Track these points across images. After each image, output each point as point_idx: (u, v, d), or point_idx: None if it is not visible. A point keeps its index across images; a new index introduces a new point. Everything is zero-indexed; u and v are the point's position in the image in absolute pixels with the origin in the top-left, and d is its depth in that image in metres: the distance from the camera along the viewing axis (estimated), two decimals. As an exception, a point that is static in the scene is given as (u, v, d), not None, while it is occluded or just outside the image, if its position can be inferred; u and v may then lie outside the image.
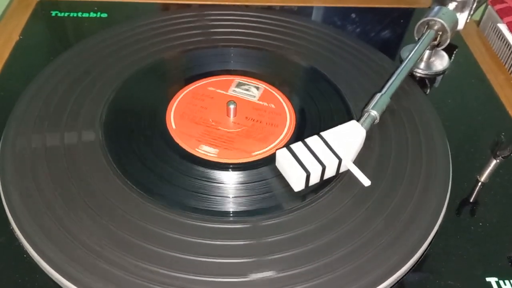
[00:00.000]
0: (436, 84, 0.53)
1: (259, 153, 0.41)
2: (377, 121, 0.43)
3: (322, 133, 0.40)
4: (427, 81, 0.53)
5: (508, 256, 0.37)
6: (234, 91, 0.44)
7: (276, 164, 0.40)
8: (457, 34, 0.56)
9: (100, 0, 0.60)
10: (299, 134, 0.44)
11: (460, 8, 0.53)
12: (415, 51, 0.49)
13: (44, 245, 0.34)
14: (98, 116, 0.44)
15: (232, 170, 0.40)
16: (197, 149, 0.41)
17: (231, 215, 0.37)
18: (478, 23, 0.66)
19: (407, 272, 0.35)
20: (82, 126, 0.43)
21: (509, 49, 0.57)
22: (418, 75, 0.54)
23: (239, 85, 0.43)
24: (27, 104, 0.44)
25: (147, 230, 0.35)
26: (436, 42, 0.52)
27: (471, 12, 0.54)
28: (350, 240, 0.35)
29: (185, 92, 0.47)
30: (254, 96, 0.44)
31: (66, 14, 0.58)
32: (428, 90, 0.52)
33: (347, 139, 0.40)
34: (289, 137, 0.43)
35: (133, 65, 0.49)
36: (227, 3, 0.62)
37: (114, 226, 0.35)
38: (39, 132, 0.42)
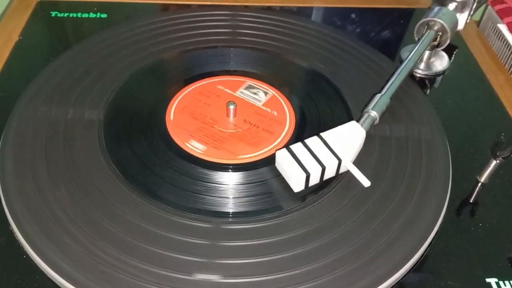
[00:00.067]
0: (436, 85, 0.53)
1: (245, 157, 0.41)
2: (377, 121, 0.43)
3: (322, 134, 0.40)
4: (427, 81, 0.53)
5: (508, 257, 0.37)
6: (241, 92, 0.44)
7: (276, 164, 0.40)
8: (457, 35, 0.56)
9: (99, 1, 0.60)
10: (299, 135, 0.44)
11: (460, 8, 0.53)
12: (415, 52, 0.49)
13: (43, 246, 0.34)
14: (98, 116, 0.44)
15: (210, 169, 0.40)
16: (186, 143, 0.42)
17: (195, 214, 0.37)
18: (478, 23, 0.66)
19: (407, 273, 0.35)
20: (82, 126, 0.43)
21: (509, 50, 0.57)
22: (418, 75, 0.54)
23: (248, 87, 0.43)
24: (27, 104, 0.44)
25: (148, 231, 0.35)
26: (436, 43, 0.52)
27: (471, 13, 0.54)
28: (350, 241, 0.35)
29: (193, 87, 0.47)
30: (260, 101, 0.44)
31: (66, 14, 0.58)
32: (428, 91, 0.52)
33: (347, 140, 0.40)
34: (281, 146, 0.42)
35: (133, 65, 0.49)
36: (226, 3, 0.62)
37: (113, 227, 0.35)
38: (39, 132, 0.42)
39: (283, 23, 0.56)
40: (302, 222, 0.36)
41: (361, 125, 0.41)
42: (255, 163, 0.41)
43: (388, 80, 0.46)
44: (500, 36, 0.59)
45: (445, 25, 0.50)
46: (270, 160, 0.41)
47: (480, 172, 0.42)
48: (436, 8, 0.52)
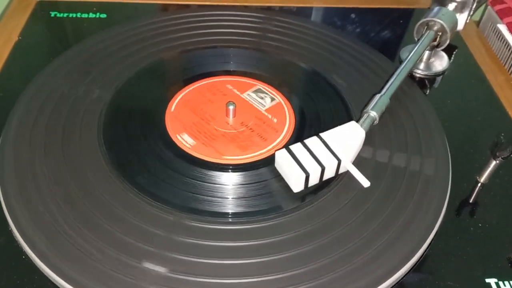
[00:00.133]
0: (436, 85, 0.53)
1: (229, 158, 0.41)
2: (376, 122, 0.43)
3: (321, 134, 0.40)
4: (426, 81, 0.53)
5: (507, 257, 0.37)
6: (248, 95, 0.44)
7: (275, 165, 0.40)
8: (456, 35, 0.56)
9: (99, 1, 0.60)
10: (299, 135, 0.44)
11: (460, 8, 0.53)
12: (414, 52, 0.49)
13: (42, 246, 0.34)
14: (97, 115, 0.44)
15: (190, 163, 0.40)
16: (177, 135, 0.42)
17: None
18: (477, 23, 0.66)
19: (407, 273, 0.35)
20: (81, 126, 0.43)
21: (508, 50, 0.57)
22: (418, 75, 0.53)
23: (257, 91, 0.43)
24: (27, 104, 0.44)
25: (147, 231, 0.35)
26: (435, 43, 0.52)
27: (471, 13, 0.54)
28: (350, 241, 0.35)
29: (202, 83, 0.48)
30: (264, 106, 0.43)
31: (65, 14, 0.58)
32: (428, 91, 0.52)
33: (346, 140, 0.40)
34: (269, 154, 0.42)
35: (132, 65, 0.49)
36: (226, 3, 0.62)
37: (113, 227, 0.35)
38: (39, 133, 0.42)
39: (283, 23, 0.56)
40: (302, 222, 0.36)
41: (361, 126, 0.41)
42: (254, 163, 0.41)
43: (387, 80, 0.46)
44: (499, 36, 0.59)
45: (445, 25, 0.50)
46: (253, 165, 0.41)
47: (480, 172, 0.42)
48: (436, 8, 0.52)
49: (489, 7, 0.63)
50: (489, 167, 0.41)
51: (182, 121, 0.44)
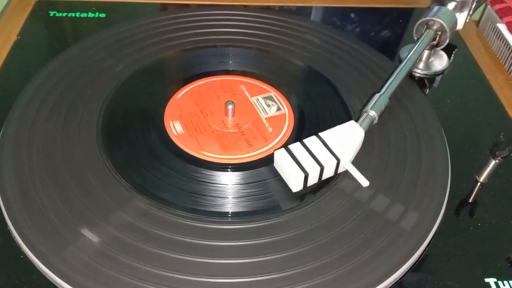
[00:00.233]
0: (435, 84, 0.53)
1: (207, 155, 0.41)
2: (375, 121, 0.42)
3: (320, 134, 0.40)
4: (426, 81, 0.53)
5: (507, 257, 0.36)
6: (257, 99, 0.43)
7: (274, 164, 0.40)
8: (456, 34, 0.56)
9: (98, 0, 0.60)
10: (298, 135, 0.44)
11: (459, 8, 0.53)
12: (414, 51, 0.49)
13: (41, 246, 0.34)
14: (97, 115, 0.44)
15: (168, 150, 0.41)
16: (171, 121, 0.43)
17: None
18: (477, 23, 0.66)
19: (406, 273, 0.35)
20: (81, 126, 0.43)
21: (508, 49, 0.57)
22: (417, 75, 0.53)
23: (267, 98, 0.43)
24: (26, 104, 0.44)
25: (146, 231, 0.35)
26: (435, 42, 0.52)
27: (470, 12, 0.54)
28: (349, 241, 0.35)
29: (217, 79, 0.48)
30: (267, 114, 0.43)
31: (64, 14, 0.58)
32: (427, 90, 0.52)
33: (345, 140, 0.40)
34: (250, 160, 0.41)
35: (132, 65, 0.49)
36: (225, 3, 0.62)
37: (111, 227, 0.35)
38: (38, 132, 0.42)
39: (282, 22, 0.56)
40: (301, 222, 0.36)
41: (360, 125, 0.41)
42: (253, 163, 0.41)
43: (387, 80, 0.46)
44: (499, 36, 0.59)
45: (444, 24, 0.50)
46: (224, 167, 0.40)
47: (479, 172, 0.42)
48: (436, 8, 0.52)
49: (488, 6, 0.63)
50: (489, 166, 0.41)
51: (182, 109, 0.45)
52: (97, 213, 0.36)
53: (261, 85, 0.48)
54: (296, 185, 0.38)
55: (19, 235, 0.35)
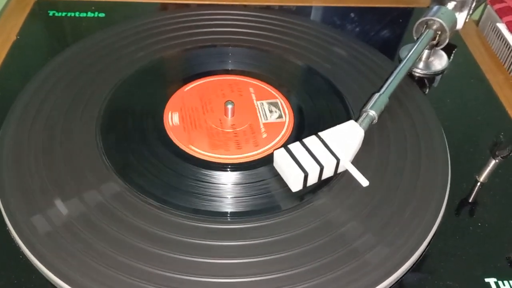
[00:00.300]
0: (435, 84, 0.53)
1: (193, 149, 0.41)
2: (375, 121, 0.42)
3: (320, 133, 0.40)
4: (426, 81, 0.53)
5: (507, 257, 0.36)
6: (262, 104, 0.43)
7: (274, 164, 0.40)
8: (456, 34, 0.56)
9: (97, 0, 0.60)
10: (297, 134, 0.43)
11: (459, 7, 0.53)
12: (414, 51, 0.48)
13: (40, 246, 0.34)
14: (96, 115, 0.44)
15: (159, 140, 0.42)
16: (170, 112, 0.44)
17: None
18: (477, 22, 0.66)
19: (406, 273, 0.35)
20: (80, 126, 0.43)
21: (508, 49, 0.57)
22: (417, 75, 0.53)
23: (272, 103, 0.43)
24: (25, 104, 0.44)
25: (146, 231, 0.35)
26: (435, 42, 0.52)
27: (470, 12, 0.53)
28: (349, 240, 0.35)
29: (227, 77, 0.48)
30: (266, 119, 0.43)
31: (64, 14, 0.58)
32: (427, 90, 0.52)
33: (345, 139, 0.40)
34: (236, 161, 0.41)
35: (131, 65, 0.49)
36: (225, 3, 0.62)
37: (111, 227, 0.35)
38: (37, 132, 0.42)
39: (282, 22, 0.56)
40: (300, 221, 0.36)
41: (360, 125, 0.41)
42: (253, 162, 0.41)
43: (387, 79, 0.46)
44: (499, 36, 0.59)
45: (444, 24, 0.50)
46: (208, 165, 0.40)
47: (479, 171, 0.42)
48: (435, 7, 0.52)
49: (488, 6, 0.63)
50: (489, 166, 0.41)
51: (184, 102, 0.45)
52: (98, 213, 0.36)
53: (270, 90, 0.47)
54: (295, 185, 0.38)
55: (18, 235, 0.35)
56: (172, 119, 0.43)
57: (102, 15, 0.58)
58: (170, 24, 0.55)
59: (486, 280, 0.35)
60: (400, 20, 0.62)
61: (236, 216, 0.37)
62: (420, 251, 0.35)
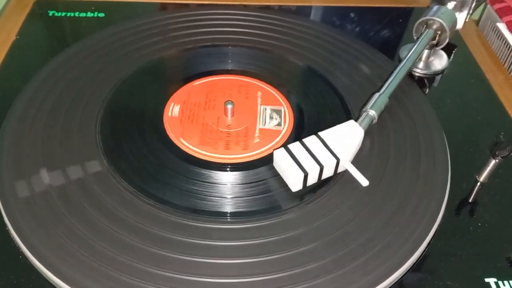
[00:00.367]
0: (435, 84, 0.53)
1: (182, 143, 0.42)
2: (375, 121, 0.42)
3: (320, 133, 0.40)
4: (426, 80, 0.53)
5: (507, 257, 0.36)
6: (264, 109, 0.43)
7: (274, 164, 0.40)
8: (456, 34, 0.56)
9: (97, 0, 0.60)
10: (297, 134, 0.43)
11: (459, 7, 0.53)
12: (413, 51, 0.48)
13: (39, 246, 0.34)
14: (96, 115, 0.44)
15: (154, 129, 0.43)
16: (173, 103, 0.45)
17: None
18: (477, 22, 0.65)
19: (406, 273, 0.35)
20: (80, 125, 0.43)
21: (508, 49, 0.57)
22: (417, 74, 0.53)
23: (275, 110, 0.42)
24: (25, 104, 0.44)
25: (145, 231, 0.35)
26: (435, 42, 0.52)
27: (470, 12, 0.53)
28: (349, 240, 0.35)
29: (239, 78, 0.48)
30: (264, 125, 0.43)
31: (63, 13, 0.58)
32: (427, 90, 0.52)
33: (345, 139, 0.40)
34: (217, 161, 0.41)
35: (131, 65, 0.49)
36: (225, 2, 0.62)
37: (110, 226, 0.35)
38: (37, 132, 0.42)
39: (282, 22, 0.56)
40: (300, 221, 0.36)
41: (360, 124, 0.41)
42: (251, 162, 0.41)
43: (387, 79, 0.46)
44: (499, 35, 0.59)
45: (444, 24, 0.50)
46: (190, 159, 0.41)
47: (479, 171, 0.42)
48: (435, 7, 0.52)
49: (488, 6, 0.63)
50: (489, 166, 0.41)
51: (190, 95, 0.46)
52: (97, 213, 0.36)
53: (277, 97, 0.47)
54: (295, 184, 0.38)
55: (18, 236, 0.35)
56: (172, 110, 0.43)
57: (101, 15, 0.58)
58: (170, 24, 0.55)
59: (486, 280, 0.35)
60: (400, 20, 0.62)
61: (236, 216, 0.37)
62: (420, 251, 0.35)
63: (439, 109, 0.47)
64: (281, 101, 0.46)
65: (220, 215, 0.37)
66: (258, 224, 0.36)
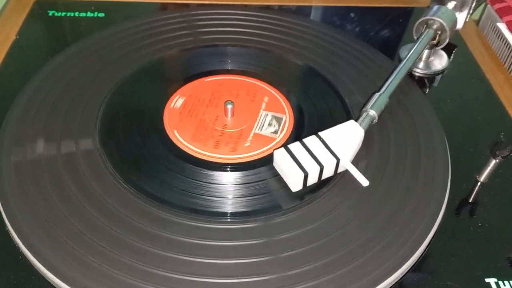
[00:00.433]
0: (435, 84, 0.53)
1: (174, 135, 0.42)
2: (375, 121, 0.42)
3: (320, 133, 0.40)
4: (426, 80, 0.53)
5: (507, 257, 0.36)
6: (266, 114, 0.43)
7: (274, 164, 0.40)
8: (456, 34, 0.56)
9: (97, 0, 0.60)
10: (297, 134, 0.43)
11: (459, 7, 0.53)
12: (414, 51, 0.48)
13: (39, 246, 0.34)
14: (96, 115, 0.44)
15: (149, 118, 0.44)
16: (178, 95, 0.46)
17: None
18: (477, 22, 0.65)
19: (406, 273, 0.35)
20: (79, 125, 0.43)
21: (508, 49, 0.57)
22: (417, 74, 0.53)
23: (276, 117, 0.42)
24: (25, 104, 0.44)
25: (145, 231, 0.35)
26: (435, 42, 0.52)
27: (470, 11, 0.53)
28: (349, 240, 0.35)
29: (251, 81, 0.48)
30: (260, 130, 0.42)
31: (63, 13, 0.58)
32: (427, 90, 0.52)
33: (345, 139, 0.40)
34: (203, 158, 0.41)
35: (131, 65, 0.49)
36: (225, 2, 0.62)
37: (109, 227, 0.35)
38: (36, 132, 0.42)
39: (282, 22, 0.56)
40: (300, 221, 0.36)
41: (360, 124, 0.41)
42: (252, 162, 0.41)
43: (387, 79, 0.46)
44: (499, 35, 0.59)
45: (444, 24, 0.50)
46: (178, 154, 0.41)
47: (480, 171, 0.42)
48: (435, 7, 0.52)
49: (488, 5, 0.63)
50: (489, 166, 0.41)
51: (196, 90, 0.47)
52: (97, 213, 0.36)
53: (283, 104, 0.46)
54: (295, 184, 0.38)
55: (17, 236, 0.35)
56: (176, 102, 0.44)
57: (101, 15, 0.58)
58: (170, 24, 0.55)
59: (487, 280, 0.35)
60: (400, 20, 0.61)
61: (237, 216, 0.37)
62: (420, 251, 0.35)
63: (439, 109, 0.47)
64: (286, 109, 0.46)
65: (220, 215, 0.37)
66: (258, 224, 0.36)
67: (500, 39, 0.58)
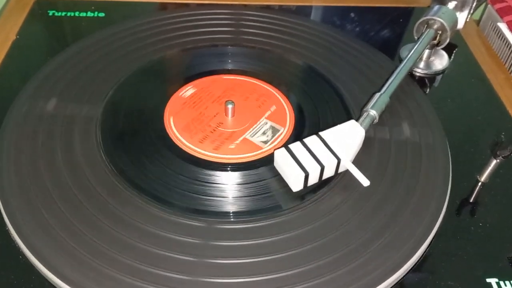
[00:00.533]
0: (436, 84, 0.53)
1: (168, 122, 0.43)
2: (376, 120, 0.42)
3: (320, 133, 0.40)
4: (426, 80, 0.53)
5: (508, 257, 0.36)
6: (265, 123, 0.42)
7: (274, 164, 0.40)
8: (456, 34, 0.56)
9: (97, 0, 0.60)
10: (298, 134, 0.43)
11: (460, 7, 0.53)
12: (414, 51, 0.48)
13: (39, 246, 0.34)
14: (96, 115, 0.44)
15: (154, 101, 0.45)
16: (191, 86, 0.47)
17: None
18: (478, 22, 0.65)
19: (407, 273, 0.35)
20: (79, 125, 0.43)
21: (509, 49, 0.57)
22: (418, 74, 0.53)
23: (274, 129, 0.42)
24: (25, 103, 0.44)
25: (145, 230, 0.35)
26: (435, 42, 0.52)
27: (471, 11, 0.53)
28: (349, 240, 0.35)
29: (266, 86, 0.48)
30: (251, 136, 0.42)
31: (63, 13, 0.58)
32: (428, 90, 0.52)
33: (346, 139, 0.40)
34: (187, 150, 0.41)
35: (131, 65, 0.49)
36: (225, 2, 0.62)
37: (110, 227, 0.35)
38: (37, 132, 0.42)
39: (282, 22, 0.56)
40: (301, 221, 0.36)
41: (361, 124, 0.41)
42: (253, 162, 0.41)
43: (387, 79, 0.46)
44: (500, 35, 0.59)
45: (445, 24, 0.50)
46: (163, 138, 0.42)
47: (480, 171, 0.42)
48: (436, 7, 0.52)
49: (489, 5, 0.63)
50: (490, 166, 0.41)
51: (210, 85, 0.47)
52: (97, 212, 0.36)
53: (287, 117, 0.45)
54: (296, 184, 0.38)
55: (18, 236, 0.34)
56: (185, 91, 0.46)
57: (101, 14, 0.58)
58: (170, 24, 0.55)
59: (488, 280, 0.35)
60: (401, 20, 0.61)
61: (237, 216, 0.37)
62: (420, 251, 0.35)
63: (439, 109, 0.47)
64: (287, 123, 0.44)
65: (221, 215, 0.37)
66: (258, 224, 0.36)
67: (501, 39, 0.58)
